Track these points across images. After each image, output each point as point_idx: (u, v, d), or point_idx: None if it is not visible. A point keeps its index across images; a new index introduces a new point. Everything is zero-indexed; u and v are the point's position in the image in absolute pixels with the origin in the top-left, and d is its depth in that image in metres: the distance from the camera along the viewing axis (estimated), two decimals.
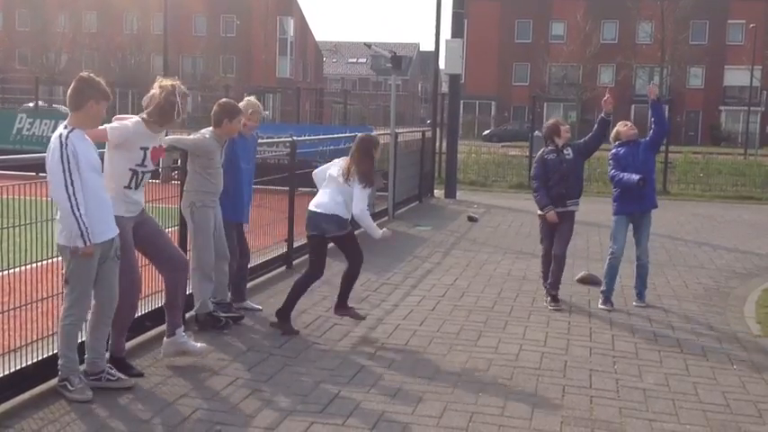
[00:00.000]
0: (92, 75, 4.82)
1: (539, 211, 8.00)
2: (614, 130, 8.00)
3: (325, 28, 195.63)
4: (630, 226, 7.92)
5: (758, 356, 6.37)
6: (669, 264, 10.30)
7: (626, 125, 8.04)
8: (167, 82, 5.31)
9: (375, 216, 12.75)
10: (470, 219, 13.93)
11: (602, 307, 7.74)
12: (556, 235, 7.87)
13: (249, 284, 7.64)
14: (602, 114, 7.73)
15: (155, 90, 5.27)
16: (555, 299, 7.77)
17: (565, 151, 7.78)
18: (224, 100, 6.68)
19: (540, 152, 8.10)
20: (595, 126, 7.89)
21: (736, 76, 59.55)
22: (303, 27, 73.10)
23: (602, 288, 7.90)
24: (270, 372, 5.54)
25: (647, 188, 7.73)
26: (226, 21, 66.93)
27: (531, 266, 9.84)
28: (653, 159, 8.08)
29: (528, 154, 21.17)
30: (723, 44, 60.81)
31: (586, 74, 60.93)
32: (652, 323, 7.31)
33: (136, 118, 5.25)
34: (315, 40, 78.03)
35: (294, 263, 9.07)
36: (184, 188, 6.33)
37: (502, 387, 5.43)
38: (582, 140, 8.07)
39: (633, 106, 62.52)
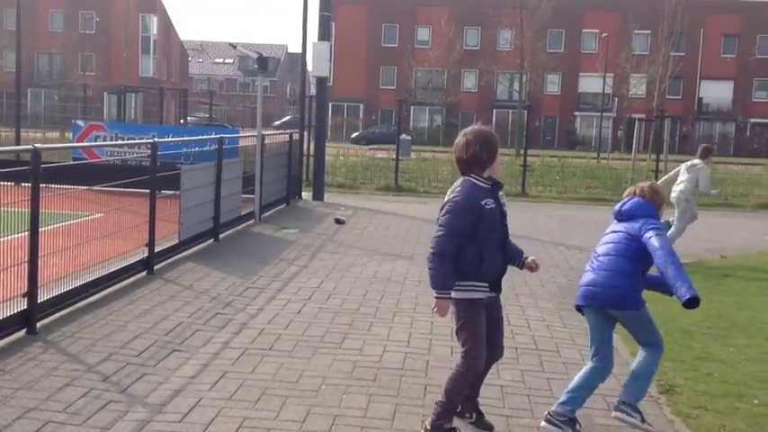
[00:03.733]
0: None
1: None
2: None
3: (190, 27, 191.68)
4: None
5: None
6: None
7: None
8: None
9: (240, 219, 12.64)
10: (338, 221, 13.99)
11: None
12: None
13: (106, 291, 7.38)
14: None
15: None
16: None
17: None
18: None
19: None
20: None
21: (589, 83, 62.53)
22: (167, 25, 71.30)
23: None
24: (127, 382, 5.37)
25: None
26: (84, 17, 64.48)
27: (397, 268, 9.99)
28: None
29: (395, 157, 21.49)
30: (578, 52, 63.72)
31: (451, 78, 62.45)
32: (510, 321, 7.56)
33: None
34: (179, 39, 76.27)
35: (156, 268, 8.83)
36: None
37: (365, 389, 5.48)
38: None
39: (495, 111, 64.64)
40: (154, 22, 67.16)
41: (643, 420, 4.91)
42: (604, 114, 55.50)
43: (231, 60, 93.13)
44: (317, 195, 17.67)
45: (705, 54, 63.08)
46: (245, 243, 11.36)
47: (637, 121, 26.76)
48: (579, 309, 5.10)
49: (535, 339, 6.97)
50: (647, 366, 4.99)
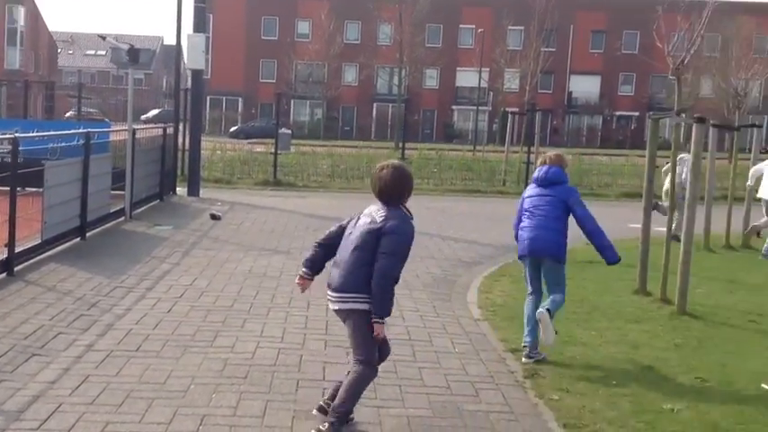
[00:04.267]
0: None
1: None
2: None
3: (60, 18, 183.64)
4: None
5: (478, 339, 6.87)
6: None
7: None
8: None
9: (110, 217, 12.22)
10: (213, 217, 13.73)
11: None
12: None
13: None
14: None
15: None
16: None
17: None
18: None
19: None
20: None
21: (467, 78, 63.85)
22: (35, 16, 68.07)
23: None
24: None
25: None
26: None
27: (273, 263, 9.91)
28: None
29: (274, 151, 21.29)
30: (455, 47, 64.96)
31: (331, 72, 62.46)
32: None
33: None
34: (48, 30, 73.00)
35: (16, 269, 8.42)
36: None
37: (236, 386, 5.40)
38: None
39: (375, 104, 65.16)
40: (21, 12, 64.00)
41: (556, 332, 6.24)
42: (480, 108, 56.85)
43: (103, 52, 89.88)
44: (193, 191, 17.29)
45: (574, 49, 65.54)
46: (115, 241, 11.00)
47: (510, 115, 27.50)
48: (521, 258, 6.53)
49: (408, 330, 7.05)
50: (558, 304, 6.31)
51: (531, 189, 6.51)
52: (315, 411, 4.87)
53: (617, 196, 21.29)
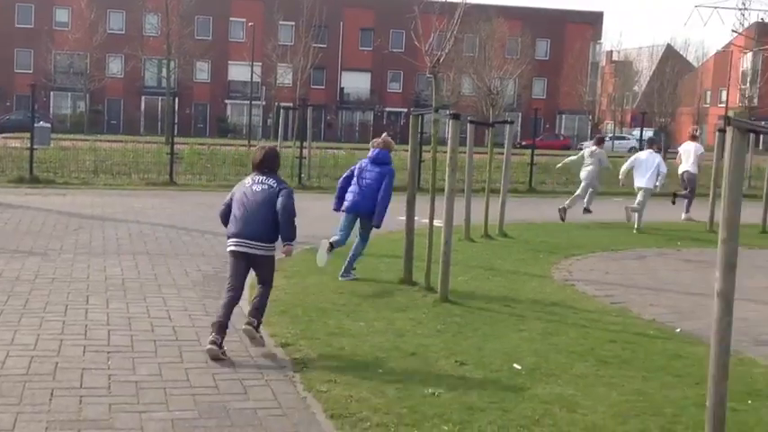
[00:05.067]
0: None
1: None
2: None
3: None
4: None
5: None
6: (172, 253, 10.51)
7: None
8: None
9: None
10: None
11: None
12: None
13: None
14: None
15: None
16: None
17: None
18: None
19: None
20: None
21: (239, 72, 63.19)
22: None
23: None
24: None
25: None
26: None
27: (27, 266, 9.25)
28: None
29: (29, 146, 19.84)
30: (226, 40, 64.06)
31: (94, 63, 59.34)
32: (150, 314, 7.35)
33: None
34: None
35: None
36: None
37: None
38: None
39: (143, 97, 62.84)
40: None
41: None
42: (254, 102, 56.48)
43: None
44: None
45: (345, 46, 66.93)
46: None
47: (283, 110, 27.55)
48: (344, 211, 9.24)
49: (176, 330, 6.84)
50: (358, 248, 9.19)
51: (364, 162, 9.22)
52: (208, 346, 5.99)
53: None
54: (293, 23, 58.76)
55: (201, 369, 5.82)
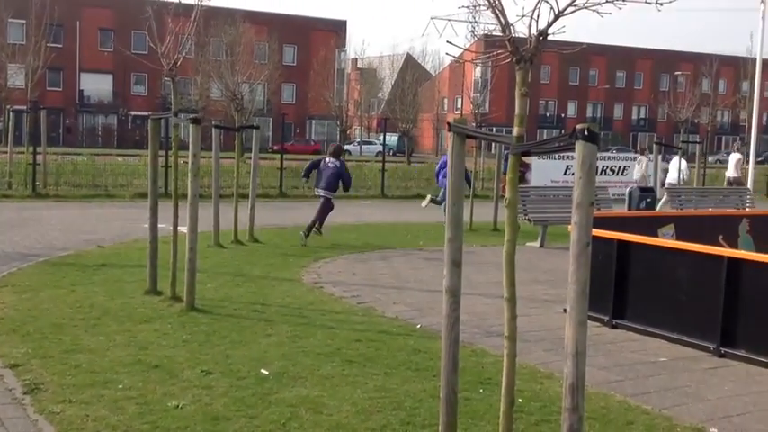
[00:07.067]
0: None
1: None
2: None
3: None
4: None
5: None
6: None
7: None
8: None
9: None
10: None
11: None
12: None
13: None
14: None
15: None
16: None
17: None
18: None
19: None
20: None
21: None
22: None
23: None
24: None
25: None
26: None
27: None
28: None
29: None
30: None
31: None
32: None
33: None
34: None
35: None
36: None
37: None
38: None
39: None
40: None
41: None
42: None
43: None
44: None
45: (83, 46, 63.39)
46: None
47: (13, 113, 25.57)
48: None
49: None
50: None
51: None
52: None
53: (131, 197, 21.11)
54: (24, 21, 54.74)
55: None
